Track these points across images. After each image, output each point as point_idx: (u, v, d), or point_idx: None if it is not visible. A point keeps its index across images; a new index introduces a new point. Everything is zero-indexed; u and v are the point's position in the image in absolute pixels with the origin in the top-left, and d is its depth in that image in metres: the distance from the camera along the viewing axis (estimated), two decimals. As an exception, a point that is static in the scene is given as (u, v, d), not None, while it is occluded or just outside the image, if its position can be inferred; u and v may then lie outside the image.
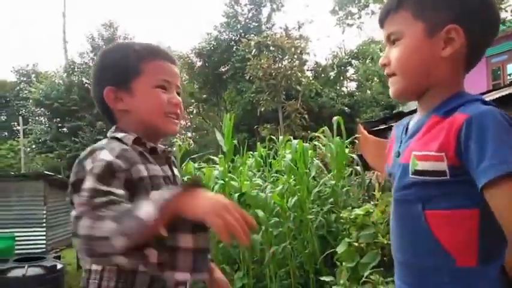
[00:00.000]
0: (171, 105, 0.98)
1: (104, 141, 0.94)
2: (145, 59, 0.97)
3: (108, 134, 0.98)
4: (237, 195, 3.33)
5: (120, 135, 0.94)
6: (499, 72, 10.86)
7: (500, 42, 9.46)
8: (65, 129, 18.10)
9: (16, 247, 5.45)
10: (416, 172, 0.78)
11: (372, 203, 2.47)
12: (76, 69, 19.42)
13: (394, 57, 0.85)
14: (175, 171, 1.04)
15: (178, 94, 1.02)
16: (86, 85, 17.98)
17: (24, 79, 23.95)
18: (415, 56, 0.82)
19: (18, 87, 23.13)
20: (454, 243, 0.76)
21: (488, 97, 7.16)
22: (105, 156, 0.84)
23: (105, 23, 20.93)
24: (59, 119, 18.44)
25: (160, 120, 0.98)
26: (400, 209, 0.85)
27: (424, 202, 0.78)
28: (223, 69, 18.90)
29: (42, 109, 19.09)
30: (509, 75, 10.54)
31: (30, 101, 18.77)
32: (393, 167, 0.89)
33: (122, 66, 0.97)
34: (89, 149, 0.89)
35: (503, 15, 6.65)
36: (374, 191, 2.60)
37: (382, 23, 0.89)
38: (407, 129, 0.89)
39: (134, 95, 0.96)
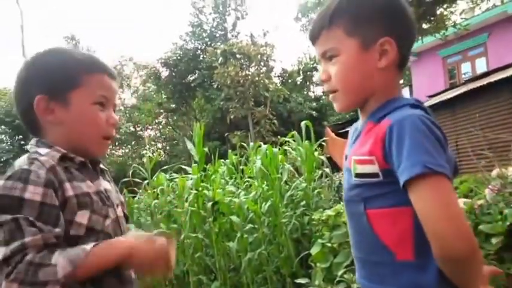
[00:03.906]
0: (109, 126, 0.93)
1: (23, 160, 0.85)
2: (86, 70, 0.90)
3: (29, 148, 0.91)
4: (210, 204, 3.32)
5: (44, 151, 0.87)
6: (454, 72, 11.43)
7: (454, 43, 9.98)
8: (28, 146, 17.33)
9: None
10: (357, 175, 0.84)
11: (341, 203, 2.54)
12: (37, 84, 18.65)
13: (333, 74, 0.88)
14: (109, 185, 0.99)
15: (114, 112, 0.97)
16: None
17: (-18, 96, 22.81)
18: (354, 72, 0.86)
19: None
20: (391, 239, 0.81)
21: (447, 95, 7.51)
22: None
23: (67, 36, 20.37)
24: (21, 137, 17.64)
25: (94, 142, 0.92)
26: (349, 209, 0.91)
27: (365, 202, 0.84)
28: (190, 78, 18.79)
29: (2, 127, 18.21)
30: (464, 74, 11.12)
31: (-11, 118, 17.86)
32: (344, 169, 0.94)
33: (58, 74, 0.89)
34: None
35: (453, 18, 7.02)
36: (343, 191, 2.68)
37: (314, 40, 0.91)
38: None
39: (69, 108, 0.89)
